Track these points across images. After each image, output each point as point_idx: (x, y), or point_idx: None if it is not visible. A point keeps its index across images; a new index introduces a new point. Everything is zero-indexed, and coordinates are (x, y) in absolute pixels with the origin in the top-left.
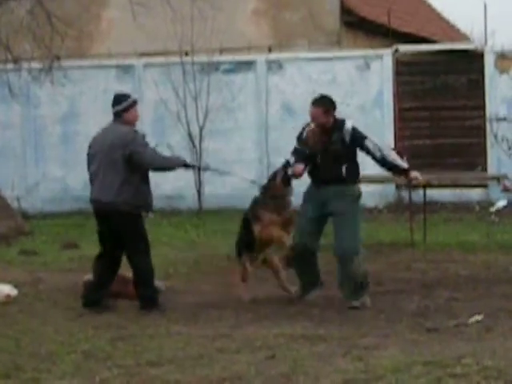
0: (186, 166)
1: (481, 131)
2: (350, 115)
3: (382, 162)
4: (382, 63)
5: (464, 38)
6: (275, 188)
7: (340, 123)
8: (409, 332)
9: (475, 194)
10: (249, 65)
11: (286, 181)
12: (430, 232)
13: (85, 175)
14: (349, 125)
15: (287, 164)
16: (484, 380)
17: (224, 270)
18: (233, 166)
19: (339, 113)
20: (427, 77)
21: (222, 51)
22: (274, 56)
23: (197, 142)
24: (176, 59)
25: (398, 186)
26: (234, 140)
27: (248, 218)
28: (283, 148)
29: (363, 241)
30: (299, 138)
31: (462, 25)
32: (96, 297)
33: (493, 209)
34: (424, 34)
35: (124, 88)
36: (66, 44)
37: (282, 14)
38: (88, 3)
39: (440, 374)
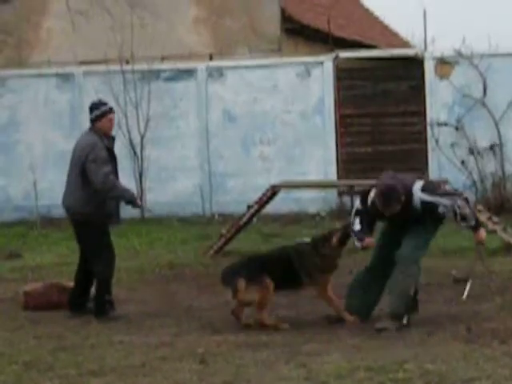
0: (131, 202)
1: (422, 137)
2: (292, 122)
3: (460, 218)
4: (322, 70)
5: (404, 43)
6: (330, 248)
7: (409, 196)
8: (351, 337)
9: None
10: (190, 73)
11: (343, 241)
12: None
13: (26, 184)
14: (416, 197)
15: (348, 226)
16: None
17: (166, 278)
18: (175, 174)
19: (281, 120)
20: (368, 83)
21: (162, 59)
22: (214, 63)
23: (138, 150)
24: (116, 67)
25: (340, 192)
26: (176, 148)
27: (290, 257)
28: (224, 155)
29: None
30: (365, 200)
31: (403, 31)
32: (79, 301)
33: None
34: (365, 40)
35: (64, 96)
36: (4, 53)
37: (222, 21)
38: (27, 12)
39: (382, 379)
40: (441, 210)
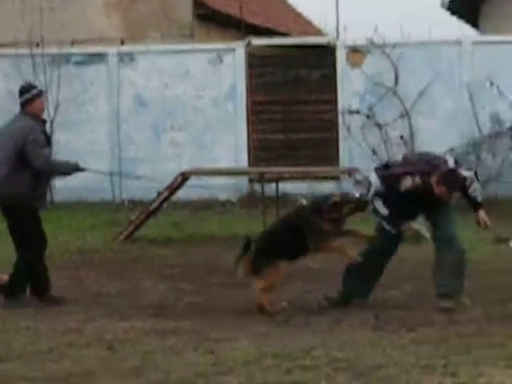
0: (78, 169)
1: (333, 125)
2: (203, 108)
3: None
4: (234, 56)
5: (317, 32)
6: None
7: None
8: (260, 325)
9: (327, 187)
10: (100, 57)
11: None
12: None
13: None
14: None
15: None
16: (333, 371)
17: (75, 264)
18: (84, 158)
19: (193, 106)
20: (280, 70)
21: (72, 43)
22: (126, 48)
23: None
24: (26, 51)
25: (250, 180)
26: (86, 132)
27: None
28: (135, 140)
29: None
30: (392, 185)
31: (316, 19)
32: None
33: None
34: (277, 27)
35: None
36: None
37: (134, 6)
38: None
39: (290, 365)
40: (467, 182)
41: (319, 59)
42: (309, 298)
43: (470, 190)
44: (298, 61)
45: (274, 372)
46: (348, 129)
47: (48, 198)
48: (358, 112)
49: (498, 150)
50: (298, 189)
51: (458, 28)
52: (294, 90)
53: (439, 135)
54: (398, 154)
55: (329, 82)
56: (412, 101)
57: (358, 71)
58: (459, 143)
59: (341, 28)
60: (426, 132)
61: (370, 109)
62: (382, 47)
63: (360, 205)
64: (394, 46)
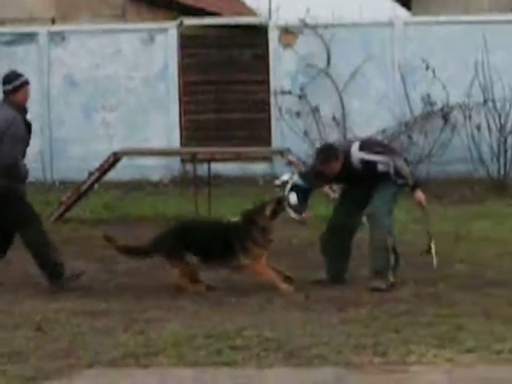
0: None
1: (265, 105)
2: (135, 89)
3: (396, 176)
4: (166, 36)
5: (250, 12)
6: (264, 220)
7: (348, 157)
8: (191, 305)
9: (260, 167)
10: (31, 37)
11: (276, 213)
12: (214, 206)
13: None
14: (355, 157)
15: (281, 199)
16: (264, 351)
17: None
18: None
19: (124, 86)
20: (212, 50)
21: (2, 22)
22: (56, 28)
23: None
24: None
25: (183, 160)
26: None
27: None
28: (66, 121)
29: None
30: (306, 175)
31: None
32: None
33: (277, 182)
34: (210, 7)
35: None
36: None
37: None
38: None
39: (220, 346)
40: (380, 168)
41: (251, 39)
42: (240, 278)
43: (393, 175)
44: (231, 41)
45: (204, 352)
46: (280, 109)
47: None
48: (290, 92)
49: (429, 131)
50: (231, 169)
51: (390, 9)
52: (227, 70)
53: (371, 116)
54: (329, 134)
55: (261, 63)
56: (344, 82)
57: (290, 52)
58: (391, 124)
59: (273, 8)
60: (358, 113)
61: (302, 89)
62: (314, 28)
63: (281, 205)
64: (326, 26)
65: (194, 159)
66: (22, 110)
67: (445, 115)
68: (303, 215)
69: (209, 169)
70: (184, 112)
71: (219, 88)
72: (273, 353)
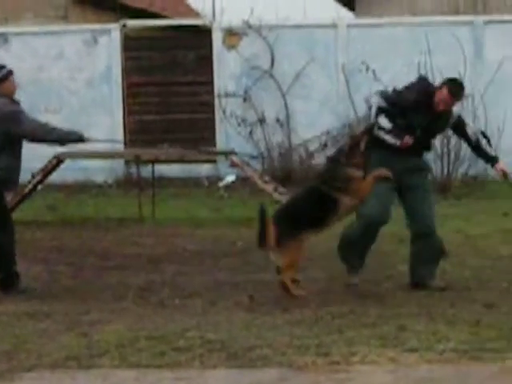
0: (81, 140)
1: (210, 107)
2: (78, 90)
3: (476, 148)
4: (110, 38)
5: (194, 13)
6: (359, 155)
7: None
8: (134, 307)
9: (204, 169)
10: None
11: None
12: (159, 207)
13: None
14: (456, 110)
15: (371, 127)
16: (207, 353)
17: None
18: None
19: (67, 88)
20: (156, 52)
21: None
22: None
23: None
24: None
25: (126, 162)
26: None
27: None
28: None
29: None
30: (392, 98)
31: (193, 1)
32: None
33: (221, 184)
34: (153, 9)
35: None
36: None
37: None
38: None
39: (163, 348)
40: (468, 130)
41: (196, 41)
42: (184, 280)
43: (483, 142)
44: (175, 42)
45: (147, 354)
46: (224, 111)
47: None
48: (234, 94)
49: None
50: (175, 171)
51: (334, 11)
52: (171, 71)
53: (315, 117)
54: (273, 136)
55: (205, 64)
56: (288, 83)
57: (234, 53)
58: (335, 125)
59: (217, 10)
60: (302, 114)
61: (246, 91)
62: (257, 29)
63: (370, 129)
64: (270, 28)
65: (137, 161)
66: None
67: None
68: (403, 141)
69: (153, 170)
70: (128, 113)
71: (163, 90)
72: (216, 354)
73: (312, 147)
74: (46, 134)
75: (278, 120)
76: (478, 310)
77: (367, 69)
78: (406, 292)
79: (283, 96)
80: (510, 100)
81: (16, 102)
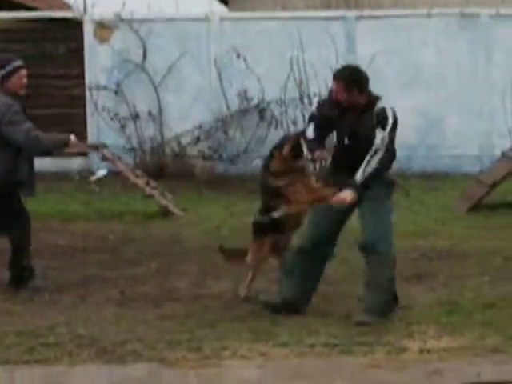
0: (67, 145)
1: (81, 100)
2: None
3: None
4: None
5: (65, 6)
6: (281, 160)
7: (372, 103)
8: (2, 302)
9: (75, 163)
10: None
11: (297, 151)
12: (30, 202)
13: None
14: (382, 104)
15: (302, 133)
16: (76, 348)
17: None
18: None
19: None
20: (26, 45)
21: None
22: None
23: None
24: None
25: None
26: None
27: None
28: None
29: None
30: (318, 109)
31: None
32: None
33: (93, 178)
34: (24, 1)
35: None
36: None
37: None
38: None
39: (32, 343)
40: (377, 137)
41: (66, 34)
42: (54, 275)
43: (364, 166)
44: (45, 35)
45: (16, 350)
46: (96, 104)
47: None
48: (105, 88)
49: (245, 127)
50: (45, 165)
51: (207, 4)
52: (41, 64)
53: (188, 111)
54: (145, 129)
55: (76, 57)
56: (160, 77)
57: (105, 46)
58: (207, 119)
59: (89, 2)
60: (175, 108)
61: (118, 85)
62: (129, 23)
63: (297, 137)
64: (142, 21)
65: None
66: (20, 99)
67: (261, 111)
68: (314, 154)
69: None
70: None
71: (33, 83)
72: (86, 349)
73: (184, 141)
74: (34, 147)
75: (150, 113)
76: (350, 305)
77: (240, 60)
78: None
79: (155, 89)
80: (382, 94)
81: (20, 101)
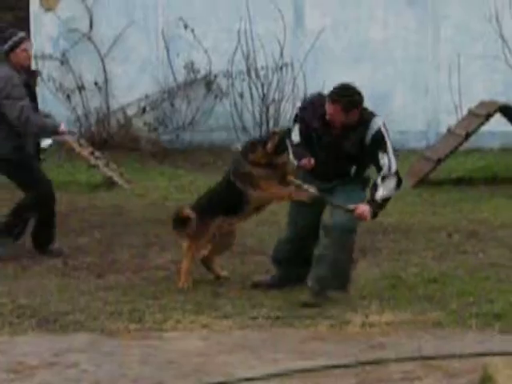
0: (55, 133)
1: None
2: None
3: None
4: None
5: None
6: (263, 155)
7: (366, 119)
8: None
9: None
10: None
11: (280, 148)
12: None
13: None
14: (377, 123)
15: (288, 131)
16: (17, 318)
17: None
18: None
19: None
20: None
21: None
22: None
23: None
24: None
25: None
26: None
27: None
28: None
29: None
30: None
31: None
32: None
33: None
34: None
35: None
36: None
37: None
38: None
39: None
40: (382, 162)
41: (12, 2)
42: None
43: (379, 182)
44: None
45: None
46: (41, 74)
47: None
48: (51, 57)
49: (192, 99)
50: None
51: None
52: None
53: (134, 82)
54: (91, 100)
55: (22, 26)
56: (107, 47)
57: (51, 15)
58: (154, 90)
59: None
60: (121, 78)
61: (63, 54)
62: None
63: (282, 134)
64: None
65: None
66: (25, 72)
67: (208, 83)
68: (300, 163)
69: None
70: None
71: None
72: (27, 320)
73: (130, 112)
74: (22, 127)
75: (96, 84)
76: None
77: (188, 31)
78: (223, 259)
79: (102, 60)
80: (329, 69)
81: (26, 74)
